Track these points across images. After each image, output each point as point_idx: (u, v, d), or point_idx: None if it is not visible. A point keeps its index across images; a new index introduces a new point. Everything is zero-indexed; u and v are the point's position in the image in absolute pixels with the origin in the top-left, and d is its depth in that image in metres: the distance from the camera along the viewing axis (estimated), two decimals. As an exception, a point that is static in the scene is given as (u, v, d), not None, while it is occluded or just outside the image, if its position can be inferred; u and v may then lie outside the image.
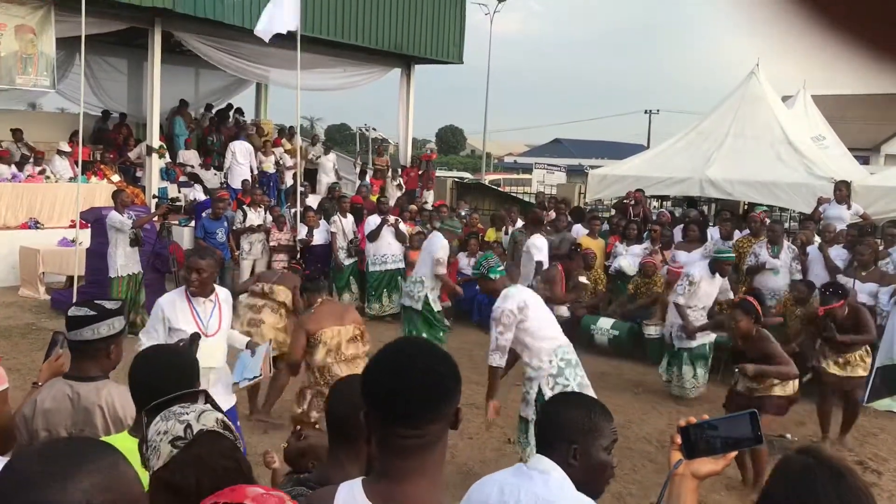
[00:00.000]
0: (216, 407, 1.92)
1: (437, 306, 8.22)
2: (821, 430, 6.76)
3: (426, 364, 1.61)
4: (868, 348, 6.72)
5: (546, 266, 8.83)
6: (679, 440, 1.77)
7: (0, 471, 1.24)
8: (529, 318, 5.09)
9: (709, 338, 7.98)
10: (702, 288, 7.73)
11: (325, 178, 16.49)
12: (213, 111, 18.24)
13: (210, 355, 4.29)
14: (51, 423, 2.87)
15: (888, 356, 7.40)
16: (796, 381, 5.66)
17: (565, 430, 2.15)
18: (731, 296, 8.01)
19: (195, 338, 4.25)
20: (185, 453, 1.74)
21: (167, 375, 2.47)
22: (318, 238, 11.46)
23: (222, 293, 4.59)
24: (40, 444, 1.94)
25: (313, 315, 5.44)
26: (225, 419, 1.86)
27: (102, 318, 2.95)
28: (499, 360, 5.14)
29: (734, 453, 1.76)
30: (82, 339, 2.94)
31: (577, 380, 5.13)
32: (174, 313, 4.39)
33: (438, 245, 8.16)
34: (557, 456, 2.12)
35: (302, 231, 11.29)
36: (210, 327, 4.42)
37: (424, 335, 7.92)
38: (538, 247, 9.03)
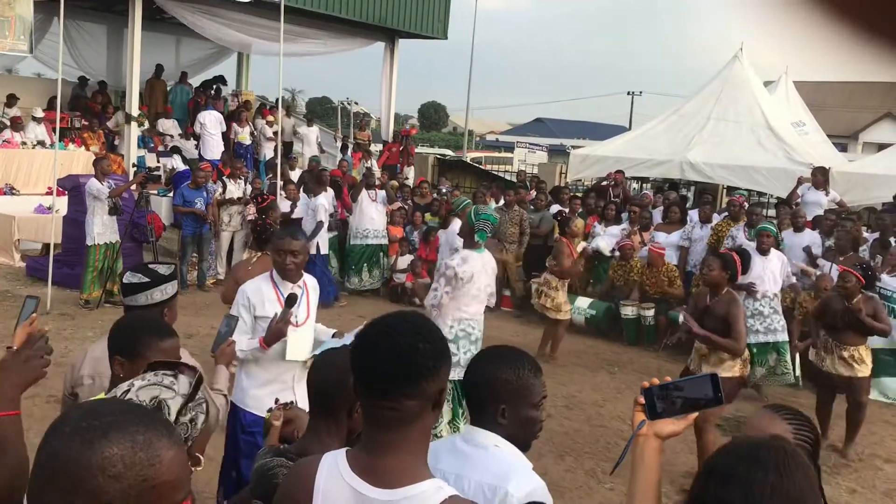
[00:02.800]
0: (192, 394, 1.87)
1: None
2: (820, 431, 6.61)
3: (407, 340, 1.62)
4: (869, 349, 6.36)
5: None
6: (642, 401, 1.80)
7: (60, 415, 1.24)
8: (466, 288, 5.37)
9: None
10: (754, 268, 7.13)
11: (308, 151, 16.38)
12: (200, 82, 18.00)
13: (299, 347, 3.92)
14: (97, 371, 2.97)
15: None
16: (746, 363, 5.52)
17: (493, 391, 2.12)
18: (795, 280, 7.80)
19: (292, 300, 3.84)
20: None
21: (132, 333, 2.58)
22: (298, 211, 11.39)
23: (310, 280, 4.14)
24: (100, 399, 1.93)
25: (251, 268, 5.60)
26: (166, 401, 1.82)
27: (156, 284, 3.06)
28: (429, 301, 5.52)
29: (695, 414, 1.80)
30: (136, 305, 3.04)
31: (467, 355, 5.30)
32: (260, 299, 3.95)
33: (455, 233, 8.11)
34: (487, 415, 2.11)
35: (283, 205, 11.22)
36: (299, 316, 3.96)
37: None
38: None
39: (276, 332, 3.74)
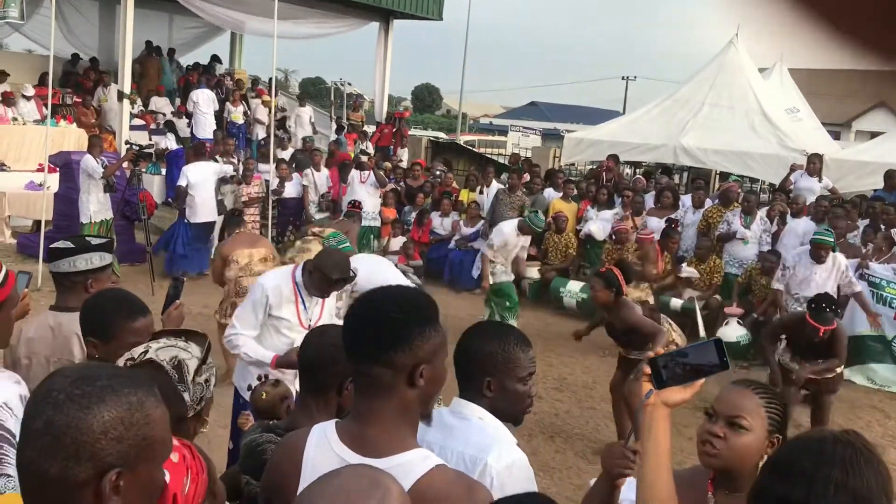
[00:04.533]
0: (205, 357, 1.93)
1: (493, 279, 8.20)
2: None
3: (382, 308, 1.67)
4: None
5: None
6: (648, 371, 1.81)
7: (39, 384, 1.25)
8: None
9: None
10: (798, 275, 7.05)
11: (301, 131, 16.32)
12: (192, 62, 17.91)
13: None
14: (32, 351, 2.95)
15: (851, 329, 7.53)
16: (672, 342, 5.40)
17: (479, 363, 2.13)
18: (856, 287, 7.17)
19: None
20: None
21: (106, 309, 2.57)
22: (290, 191, 11.38)
23: None
24: (82, 365, 1.95)
25: (230, 241, 6.46)
26: (185, 361, 1.86)
27: (80, 252, 2.99)
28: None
29: (702, 381, 1.80)
30: (59, 271, 3.00)
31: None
32: (279, 300, 3.90)
33: (500, 233, 8.14)
34: (474, 387, 2.11)
35: (273, 183, 11.20)
36: (312, 317, 3.95)
37: (490, 307, 8.25)
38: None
39: (291, 363, 3.53)
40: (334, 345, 2.06)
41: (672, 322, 5.73)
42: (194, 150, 11.01)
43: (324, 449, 1.68)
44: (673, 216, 9.88)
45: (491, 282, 8.22)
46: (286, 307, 3.88)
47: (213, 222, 10.27)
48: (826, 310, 5.58)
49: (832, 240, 7.00)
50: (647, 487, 1.77)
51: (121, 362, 1.88)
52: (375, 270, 5.37)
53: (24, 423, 1.21)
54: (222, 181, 10.80)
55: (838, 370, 5.89)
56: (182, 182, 10.10)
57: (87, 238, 3.10)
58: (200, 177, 10.01)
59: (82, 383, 1.20)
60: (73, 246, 3.01)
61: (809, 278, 6.91)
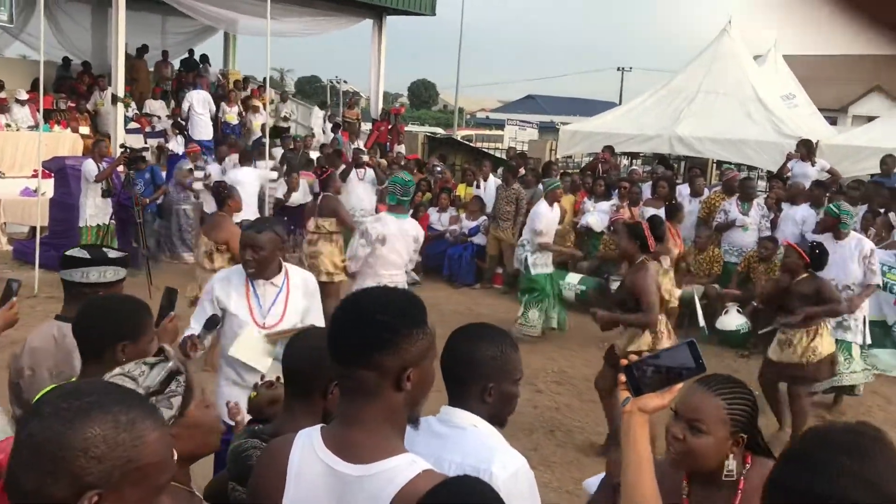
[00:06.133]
0: (166, 383, 1.84)
1: (535, 270, 8.24)
2: (777, 421, 5.99)
3: (366, 310, 1.63)
4: (821, 333, 5.75)
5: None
6: (624, 379, 1.78)
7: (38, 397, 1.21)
8: (380, 251, 5.62)
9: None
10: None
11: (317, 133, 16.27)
12: (178, 61, 17.86)
13: (249, 350, 3.54)
14: (35, 362, 2.88)
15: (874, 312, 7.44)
16: (661, 334, 5.17)
17: (477, 369, 2.06)
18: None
19: (212, 323, 3.48)
20: None
21: (102, 322, 2.46)
22: (297, 198, 11.25)
23: (297, 277, 3.70)
24: (80, 381, 1.90)
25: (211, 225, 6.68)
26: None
27: (95, 264, 2.91)
28: (354, 266, 5.83)
29: (679, 385, 1.77)
30: (71, 280, 2.92)
31: None
32: (227, 292, 3.60)
33: (537, 215, 8.15)
34: (471, 394, 2.04)
35: (280, 189, 11.19)
36: (269, 317, 3.56)
37: (535, 309, 8.23)
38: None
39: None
40: (318, 347, 2.03)
41: (670, 329, 5.52)
42: (241, 154, 10.70)
43: (308, 455, 1.66)
44: (726, 219, 9.72)
45: (532, 272, 8.21)
46: (235, 300, 3.57)
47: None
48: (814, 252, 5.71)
49: (836, 213, 6.61)
50: (629, 494, 1.75)
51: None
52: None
53: (15, 436, 1.19)
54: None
55: (823, 352, 5.69)
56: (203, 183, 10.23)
57: (105, 249, 3.01)
58: (247, 178, 9.86)
59: (71, 397, 1.17)
60: (88, 256, 2.92)
61: (831, 259, 6.22)
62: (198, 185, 10.39)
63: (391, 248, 5.67)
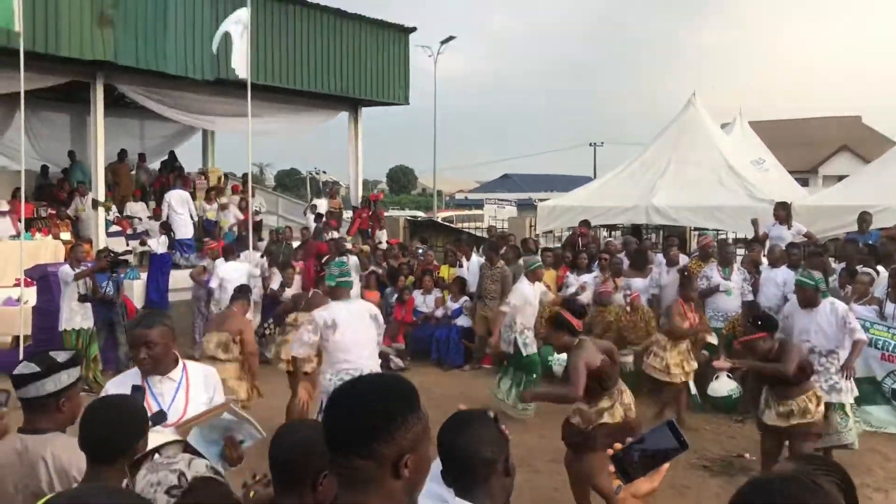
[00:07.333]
0: (198, 453, 1.90)
1: (526, 350, 8.35)
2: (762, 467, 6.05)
3: (362, 398, 1.64)
4: (816, 397, 5.78)
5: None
6: (613, 468, 1.82)
7: None
8: (335, 338, 5.70)
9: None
10: (797, 324, 6.69)
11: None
12: (158, 163, 18.07)
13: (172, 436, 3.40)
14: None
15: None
16: (624, 406, 5.28)
17: (477, 462, 2.12)
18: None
19: (158, 419, 3.35)
20: (185, 500, 1.73)
21: (119, 426, 2.46)
22: (290, 293, 11.21)
23: (195, 370, 3.63)
24: (84, 488, 1.87)
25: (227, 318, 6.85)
26: (214, 465, 1.84)
27: (48, 374, 2.86)
28: (296, 350, 5.98)
29: (666, 465, 1.81)
30: (27, 397, 2.87)
31: None
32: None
33: (515, 291, 8.37)
34: (475, 485, 2.08)
35: (275, 280, 11.24)
36: (171, 413, 3.42)
37: (510, 379, 8.36)
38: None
39: None
40: (305, 441, 2.03)
41: (627, 389, 5.59)
42: (225, 249, 11.10)
43: None
44: (647, 279, 9.94)
45: (524, 353, 8.31)
46: None
47: None
48: (756, 325, 5.74)
49: (813, 282, 6.62)
50: None
51: (159, 494, 1.78)
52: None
53: None
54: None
55: (814, 417, 5.71)
56: (214, 283, 10.41)
57: (52, 355, 2.94)
58: (235, 274, 10.20)
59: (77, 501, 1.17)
60: (38, 369, 2.86)
61: (807, 326, 6.55)
62: (214, 283, 10.45)
63: (345, 332, 5.74)
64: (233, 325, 6.79)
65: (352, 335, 5.77)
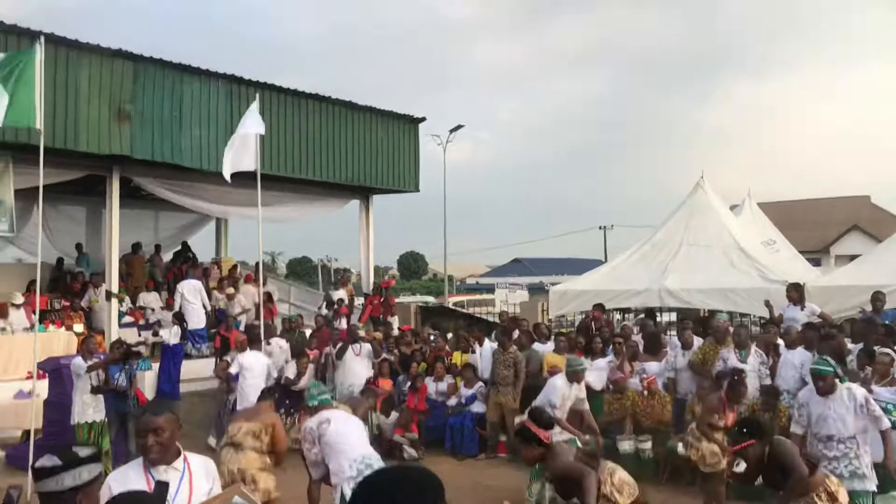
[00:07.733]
0: None
1: None
2: None
3: (387, 494, 1.64)
4: (827, 493, 5.30)
5: None
6: None
7: None
8: (329, 435, 6.04)
9: None
10: (813, 412, 6.35)
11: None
12: (172, 253, 18.27)
13: None
14: None
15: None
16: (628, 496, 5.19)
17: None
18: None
19: (162, 489, 3.37)
20: None
21: None
22: (305, 382, 11.16)
23: (196, 460, 3.68)
24: None
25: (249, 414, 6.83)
26: None
27: (67, 469, 2.87)
28: (314, 474, 6.28)
29: None
30: (45, 491, 2.86)
31: None
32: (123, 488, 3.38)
33: (554, 388, 8.23)
34: None
35: (290, 371, 11.19)
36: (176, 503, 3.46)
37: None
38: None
39: None
40: None
41: (617, 467, 5.49)
42: (249, 338, 11.08)
43: None
44: (663, 362, 9.85)
45: None
46: None
47: None
48: (742, 432, 5.41)
49: (832, 369, 6.30)
50: None
51: None
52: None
53: None
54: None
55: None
56: (234, 369, 10.46)
57: (75, 450, 2.97)
58: (256, 364, 10.36)
59: None
60: (59, 463, 2.88)
61: (825, 414, 6.21)
62: (234, 369, 10.46)
63: (336, 421, 6.14)
64: (266, 419, 6.73)
65: (343, 424, 6.18)
